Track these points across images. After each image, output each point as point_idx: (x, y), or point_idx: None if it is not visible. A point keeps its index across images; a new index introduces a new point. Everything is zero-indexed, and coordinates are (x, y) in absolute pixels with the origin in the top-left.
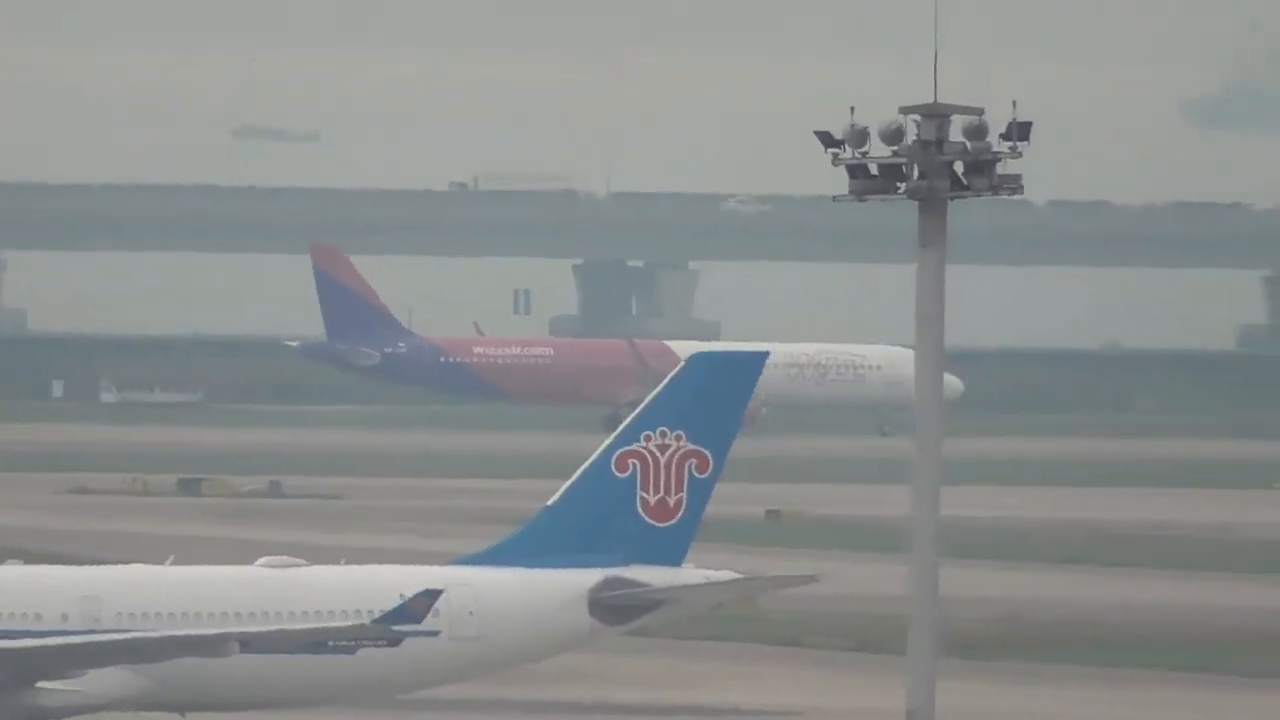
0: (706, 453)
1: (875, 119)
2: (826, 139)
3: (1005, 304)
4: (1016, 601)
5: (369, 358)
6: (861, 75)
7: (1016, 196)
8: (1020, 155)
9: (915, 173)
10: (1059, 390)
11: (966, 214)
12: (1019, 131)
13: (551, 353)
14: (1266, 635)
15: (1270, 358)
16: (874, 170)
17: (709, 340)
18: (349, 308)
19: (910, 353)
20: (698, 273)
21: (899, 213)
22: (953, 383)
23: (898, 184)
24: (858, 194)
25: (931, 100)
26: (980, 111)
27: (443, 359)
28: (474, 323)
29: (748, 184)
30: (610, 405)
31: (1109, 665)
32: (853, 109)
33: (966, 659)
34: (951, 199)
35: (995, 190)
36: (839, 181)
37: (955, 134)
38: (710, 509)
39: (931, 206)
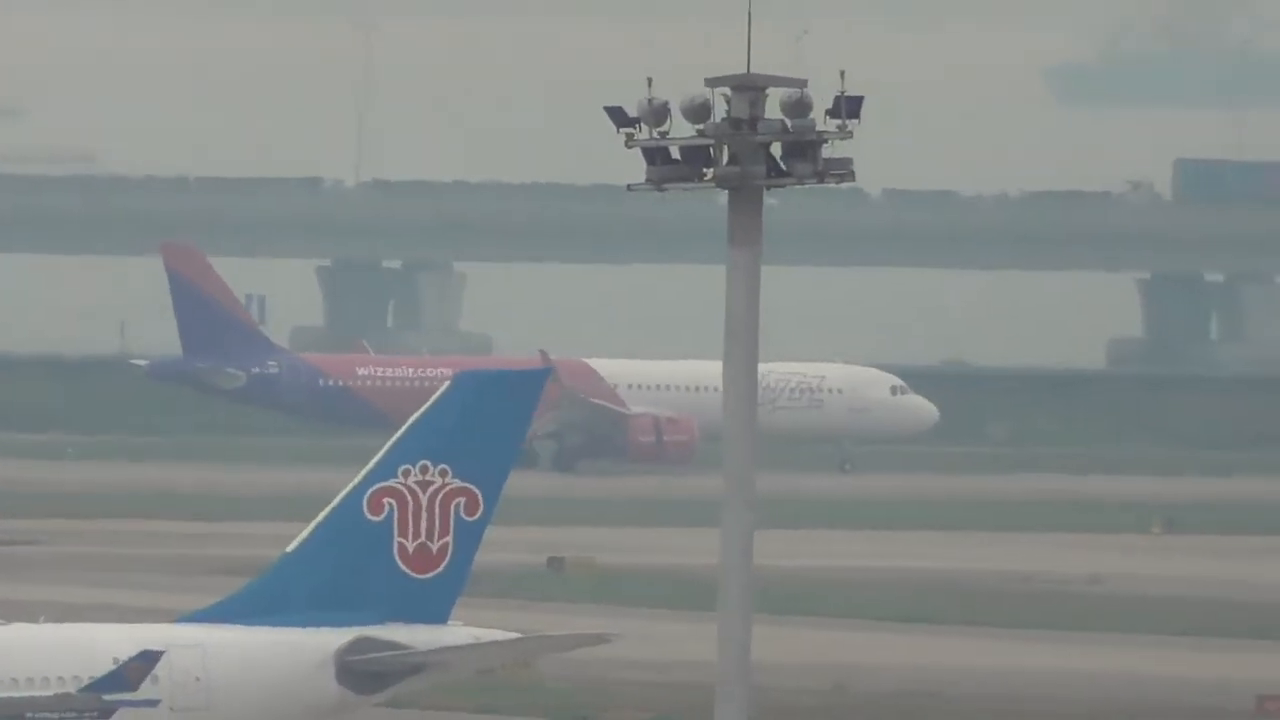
0: (476, 490)
1: (677, 92)
2: (619, 117)
3: (830, 312)
4: (844, 668)
5: (234, 379)
6: (661, 41)
7: (845, 184)
8: (850, 135)
9: (725, 156)
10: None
11: (786, 206)
12: (848, 107)
13: (450, 374)
14: (1143, 709)
15: (1147, 376)
16: (676, 154)
17: (478, 354)
18: (209, 319)
19: (878, 374)
20: (465, 275)
21: (707, 204)
22: (927, 409)
23: (704, 170)
24: (656, 182)
25: (744, 71)
26: (802, 84)
27: (322, 381)
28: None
29: (526, 171)
30: None
31: None
32: (650, 81)
33: None
34: (768, 187)
35: (820, 177)
36: (636, 167)
37: (773, 111)
38: (482, 557)
39: (744, 196)
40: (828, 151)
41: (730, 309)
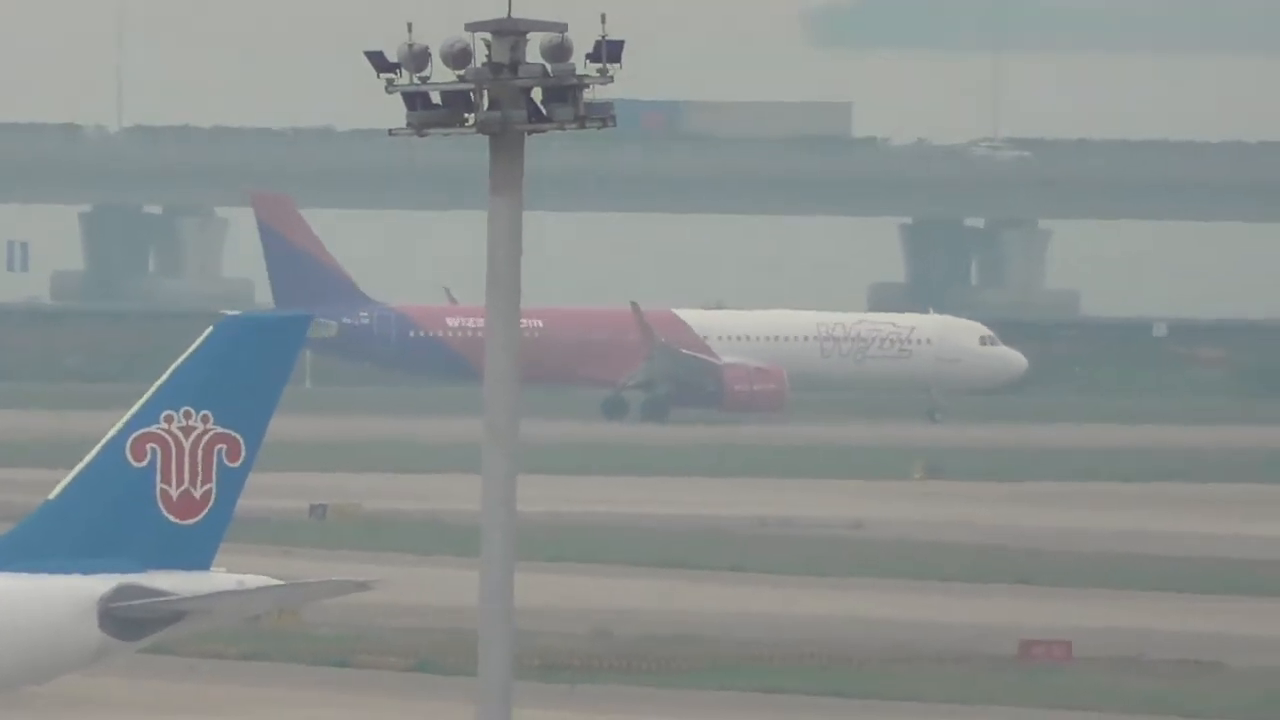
0: (238, 437)
1: (438, 37)
2: (379, 61)
3: (597, 259)
4: (608, 613)
5: (325, 329)
6: None
7: (607, 129)
8: (611, 80)
9: (485, 102)
10: None
11: (548, 151)
12: (609, 51)
13: (542, 324)
14: (899, 652)
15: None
16: (436, 99)
17: (240, 306)
18: (301, 270)
19: (968, 324)
20: (226, 222)
21: (472, 149)
22: (1016, 359)
23: (465, 115)
24: (417, 127)
25: (505, 15)
26: (563, 28)
27: (412, 332)
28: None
29: (292, 115)
30: (611, 386)
31: (718, 688)
32: (410, 25)
33: (548, 681)
34: (529, 132)
35: (581, 122)
36: (398, 112)
37: (534, 55)
38: (245, 503)
39: (505, 142)
40: (589, 95)
41: (492, 256)
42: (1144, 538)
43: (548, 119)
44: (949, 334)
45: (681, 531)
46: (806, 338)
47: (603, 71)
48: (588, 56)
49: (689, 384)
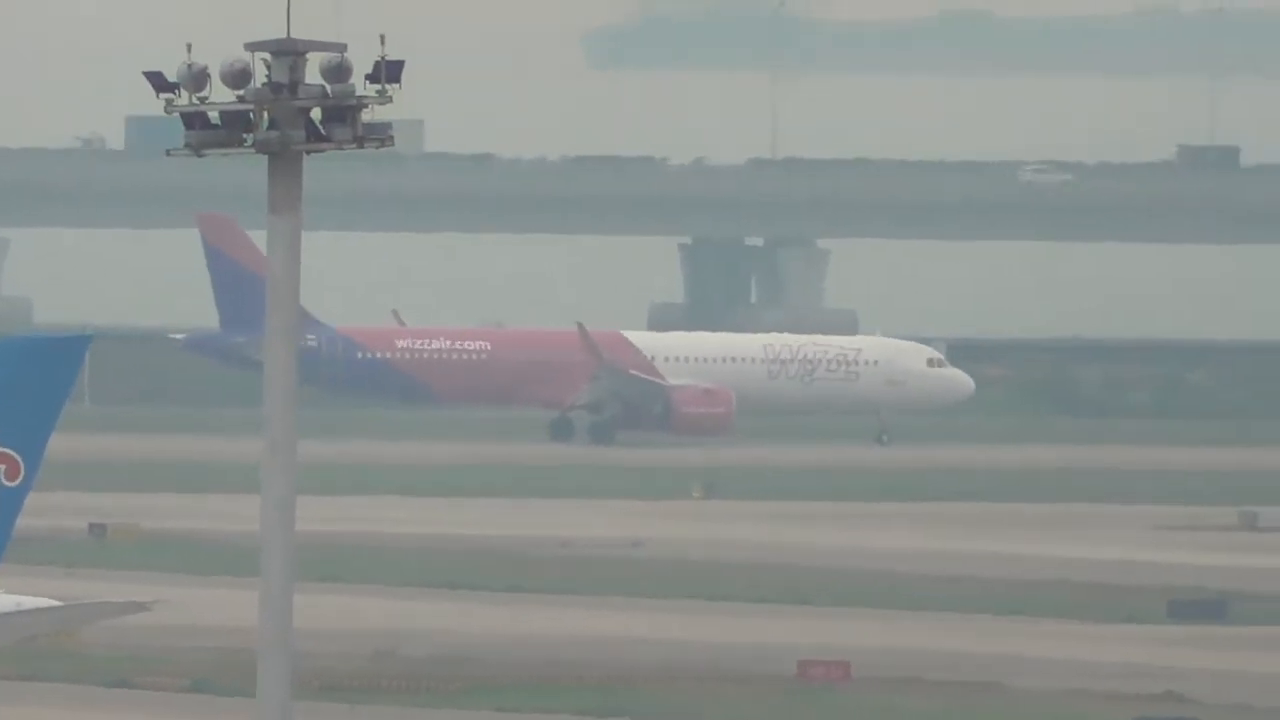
0: (16, 456)
1: (217, 57)
2: (158, 81)
3: (375, 277)
4: (391, 634)
5: None
6: (201, 7)
7: (385, 149)
8: (390, 100)
9: (265, 121)
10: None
11: (328, 171)
12: (388, 72)
13: (489, 346)
14: (685, 674)
15: None
16: (215, 119)
17: (18, 325)
18: (245, 290)
19: (914, 347)
20: (8, 241)
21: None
22: (963, 381)
23: (244, 135)
24: (196, 147)
25: (284, 36)
26: (342, 48)
27: (360, 354)
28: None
29: (62, 135)
30: (558, 408)
31: (496, 709)
32: (189, 46)
33: (330, 701)
34: (308, 152)
35: (360, 142)
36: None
37: (314, 76)
38: (24, 523)
39: (284, 162)
40: (367, 116)
41: (271, 275)
42: (922, 557)
43: (326, 139)
44: (896, 356)
45: (463, 551)
46: (754, 360)
47: (381, 92)
48: (367, 77)
49: (636, 406)
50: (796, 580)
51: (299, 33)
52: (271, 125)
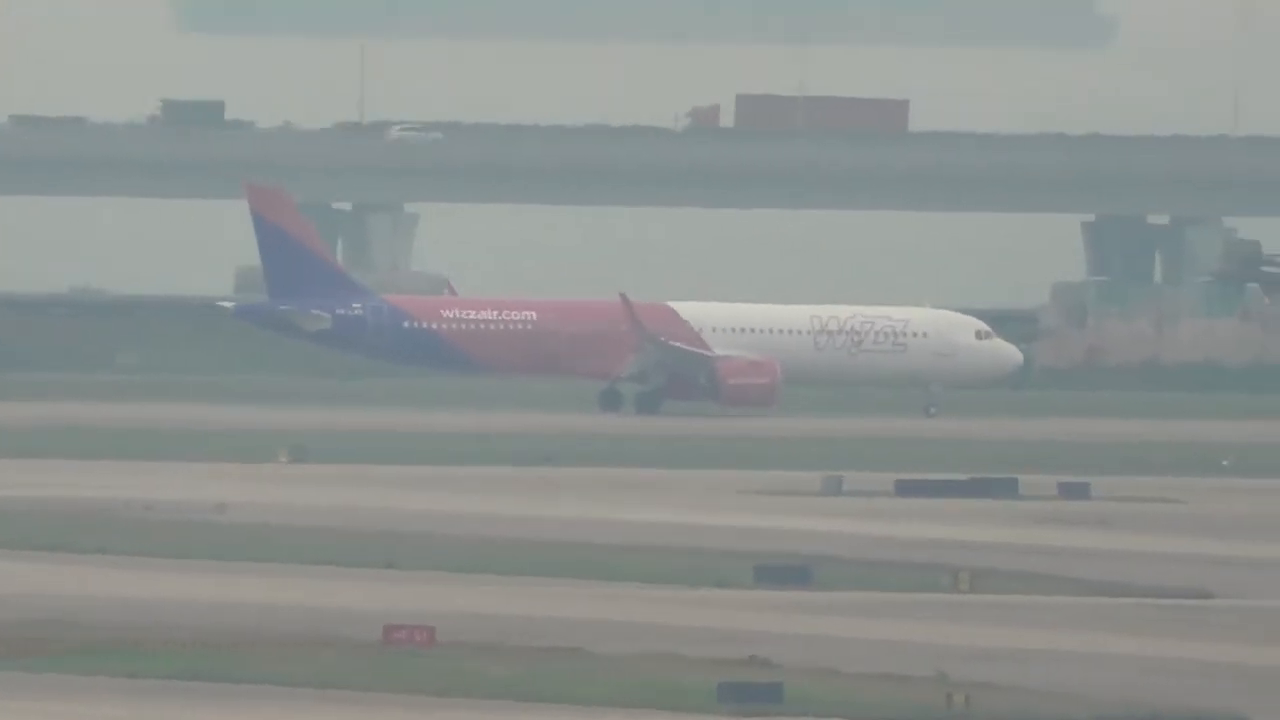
0: None
1: None
2: None
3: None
4: None
5: (318, 321)
6: None
7: None
8: None
9: None
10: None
11: None
12: None
13: (535, 316)
14: (261, 636)
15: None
16: None
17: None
18: (294, 262)
19: (961, 318)
20: None
21: None
22: (1012, 353)
23: None
24: None
25: None
26: None
27: (406, 324)
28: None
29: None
30: (606, 379)
31: (86, 674)
32: None
33: None
34: None
35: None
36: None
37: None
38: None
39: None
40: None
41: None
42: (506, 522)
43: None
44: (945, 328)
45: (53, 514)
46: (800, 331)
47: None
48: None
49: (682, 377)
50: (383, 545)
51: None
52: None
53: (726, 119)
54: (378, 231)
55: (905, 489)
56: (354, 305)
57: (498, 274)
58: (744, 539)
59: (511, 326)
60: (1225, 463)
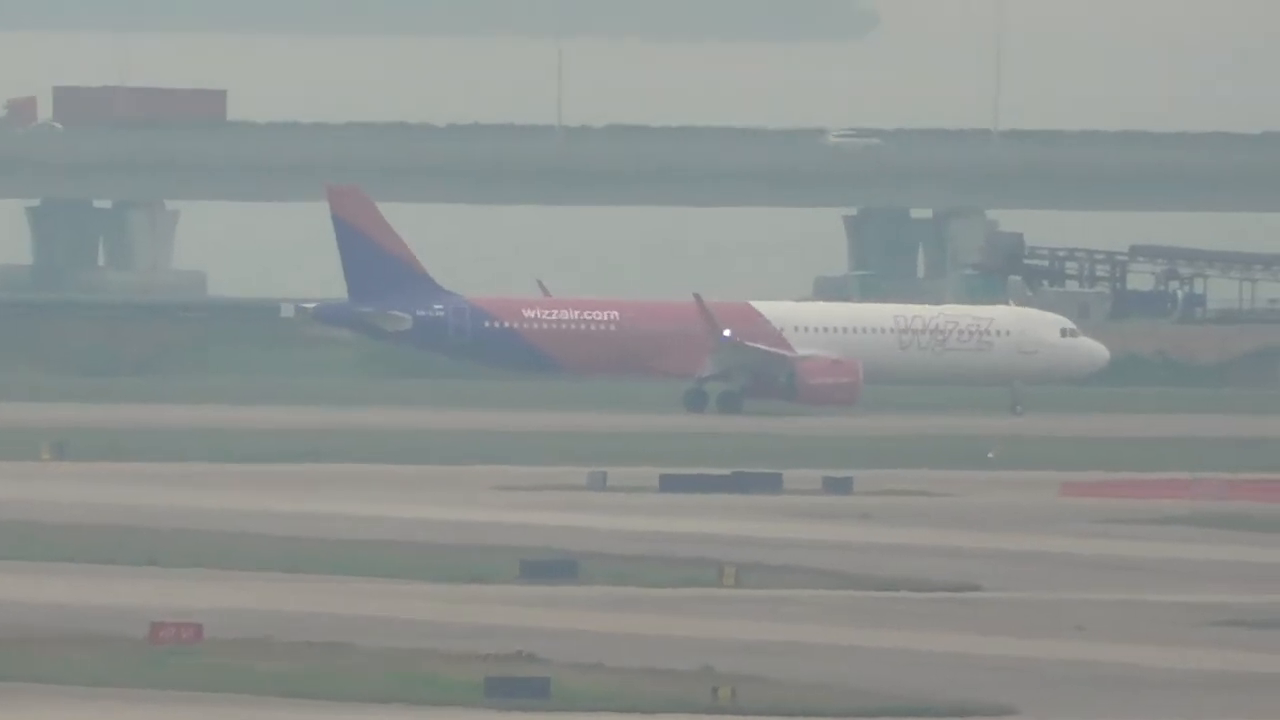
0: None
1: None
2: None
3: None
4: None
5: (399, 322)
6: None
7: None
8: None
9: None
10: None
11: None
12: None
13: (617, 316)
14: (23, 634)
15: (34, 303)
16: None
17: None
18: (374, 262)
19: (1045, 315)
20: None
21: None
22: (1098, 351)
23: None
24: None
25: None
26: None
27: (486, 324)
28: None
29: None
30: (689, 379)
31: None
32: None
33: None
34: None
35: None
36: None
37: None
38: None
39: None
40: None
41: None
42: (272, 518)
43: None
44: (1029, 326)
45: None
46: (884, 330)
47: None
48: None
49: (762, 376)
50: (147, 542)
51: None
52: None
53: (45, 111)
54: (138, 229)
55: (669, 484)
56: (435, 305)
57: (255, 272)
58: (510, 535)
59: (593, 326)
60: (991, 455)
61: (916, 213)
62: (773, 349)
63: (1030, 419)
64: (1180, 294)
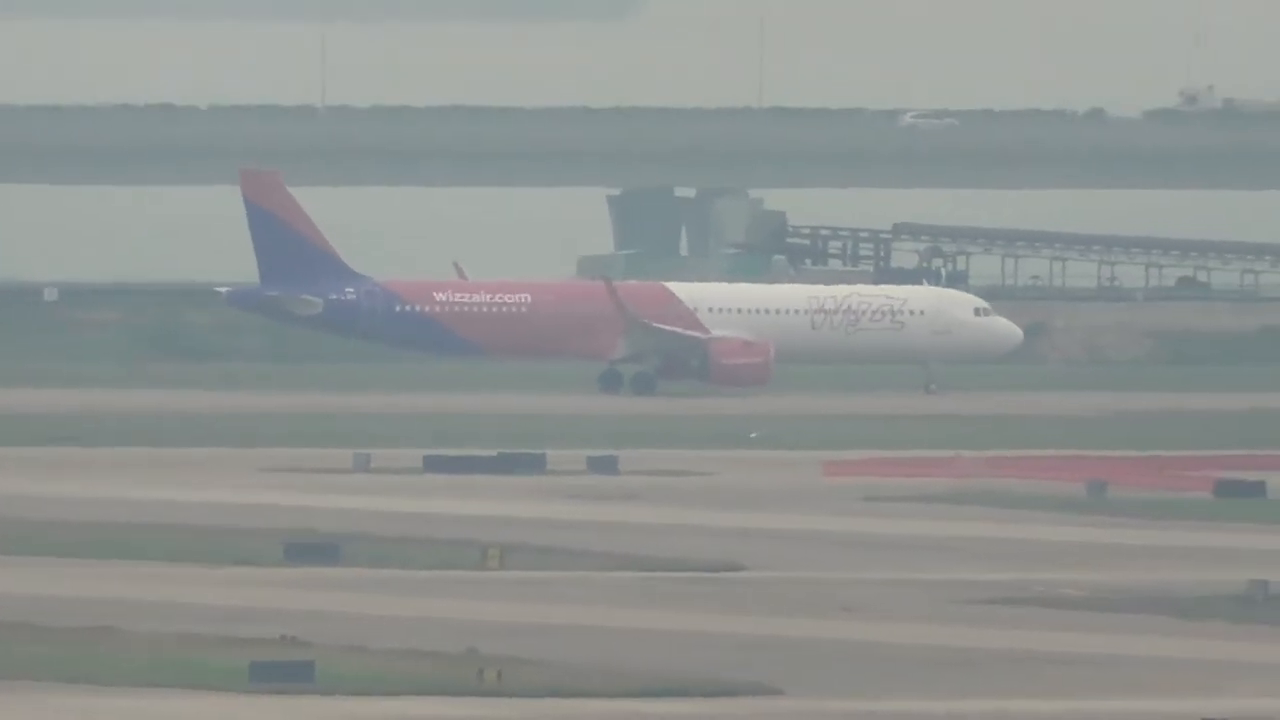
0: None
1: None
2: None
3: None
4: None
5: (310, 306)
6: None
7: None
8: None
9: None
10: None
11: None
12: None
13: (529, 299)
14: None
15: None
16: None
17: None
18: (286, 247)
19: (959, 295)
20: None
21: None
22: (1011, 330)
23: None
24: None
25: None
26: None
27: (399, 307)
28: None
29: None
30: (601, 361)
31: None
32: None
33: None
34: None
35: None
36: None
37: None
38: None
39: None
40: None
41: None
42: (33, 502)
43: None
44: (943, 305)
45: None
46: (797, 310)
47: None
48: None
49: (675, 358)
50: None
51: None
52: None
53: None
54: None
55: (433, 465)
56: (347, 289)
57: (17, 254)
58: (273, 517)
59: (503, 309)
60: (753, 435)
61: (680, 191)
62: (684, 330)
63: (942, 397)
64: (944, 271)
